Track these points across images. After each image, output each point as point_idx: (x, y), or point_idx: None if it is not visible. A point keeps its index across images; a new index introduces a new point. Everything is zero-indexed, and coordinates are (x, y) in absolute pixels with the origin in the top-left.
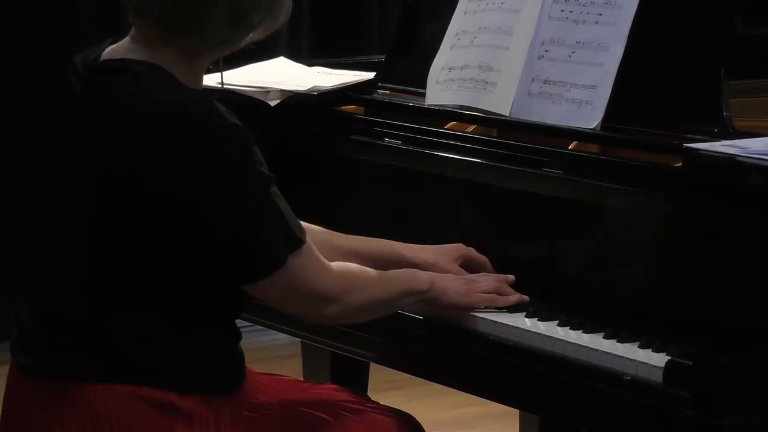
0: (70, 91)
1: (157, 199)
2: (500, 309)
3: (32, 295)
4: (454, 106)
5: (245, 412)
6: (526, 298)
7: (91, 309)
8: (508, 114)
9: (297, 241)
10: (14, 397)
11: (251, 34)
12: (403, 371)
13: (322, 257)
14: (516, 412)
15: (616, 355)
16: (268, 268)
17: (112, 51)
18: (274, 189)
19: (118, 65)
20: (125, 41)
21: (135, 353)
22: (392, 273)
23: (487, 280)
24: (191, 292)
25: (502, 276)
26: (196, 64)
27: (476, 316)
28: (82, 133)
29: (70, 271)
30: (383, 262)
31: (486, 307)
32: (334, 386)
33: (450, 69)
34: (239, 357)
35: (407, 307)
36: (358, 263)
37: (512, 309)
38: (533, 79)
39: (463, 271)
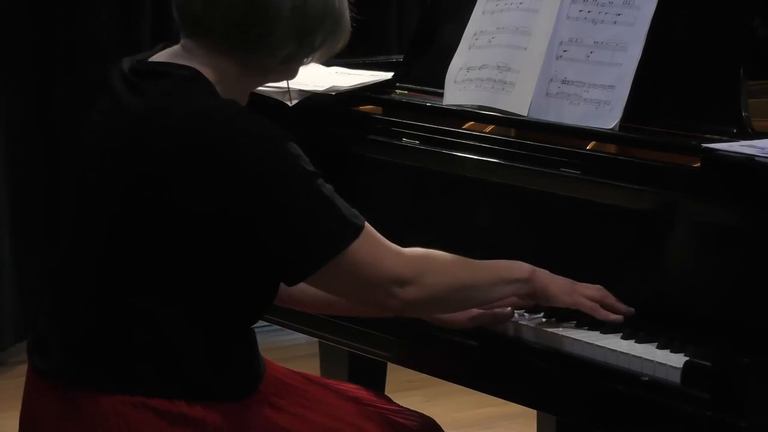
0: (111, 90)
1: (188, 207)
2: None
3: (49, 298)
4: (472, 106)
5: (262, 417)
6: (631, 310)
7: (106, 315)
8: (526, 114)
9: (353, 225)
10: (30, 401)
11: (311, 57)
12: (420, 370)
13: (388, 241)
14: (533, 412)
15: (634, 355)
16: (327, 255)
17: (160, 55)
18: (321, 181)
19: (161, 68)
20: (176, 47)
21: (146, 360)
22: (484, 261)
23: (594, 287)
24: (215, 301)
25: (606, 292)
26: (244, 81)
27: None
28: (112, 134)
29: (87, 276)
30: None
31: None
32: (354, 386)
33: (468, 69)
34: (253, 364)
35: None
36: None
37: (531, 310)
38: (551, 79)
39: None
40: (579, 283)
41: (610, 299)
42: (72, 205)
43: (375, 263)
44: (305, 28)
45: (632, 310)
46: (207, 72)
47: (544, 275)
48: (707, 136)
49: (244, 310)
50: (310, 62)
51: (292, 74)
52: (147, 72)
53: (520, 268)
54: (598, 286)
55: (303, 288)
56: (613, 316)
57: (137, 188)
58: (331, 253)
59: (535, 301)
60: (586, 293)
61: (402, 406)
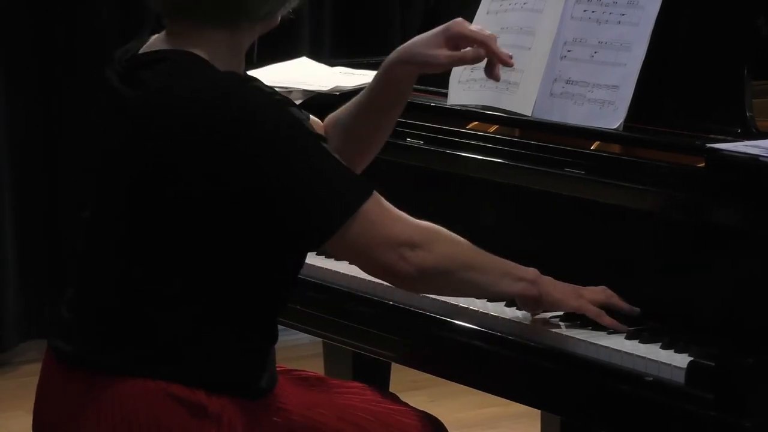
0: (108, 86)
1: (201, 187)
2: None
3: (71, 290)
4: (476, 106)
5: (274, 418)
6: (636, 310)
7: (127, 301)
8: (530, 114)
9: (366, 187)
10: (47, 387)
11: (288, 4)
12: (424, 369)
13: (396, 209)
14: (537, 412)
15: (638, 355)
16: (342, 215)
17: (149, 45)
18: (327, 145)
19: (153, 57)
20: (162, 34)
21: (168, 347)
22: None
23: (599, 290)
24: (237, 285)
25: (610, 292)
26: (236, 46)
27: (498, 317)
28: (120, 127)
29: (110, 262)
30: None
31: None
32: (360, 385)
33: (472, 69)
34: (272, 362)
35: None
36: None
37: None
38: (555, 79)
39: None
40: (584, 288)
41: (615, 299)
42: (91, 200)
43: (387, 223)
44: None
45: (637, 309)
46: (198, 50)
47: (548, 280)
48: (711, 136)
49: (266, 294)
50: (290, 6)
51: (275, 22)
52: (141, 63)
53: (526, 269)
54: (602, 287)
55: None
56: (617, 324)
57: (151, 177)
58: (347, 212)
59: (540, 306)
60: (592, 298)
61: (408, 405)
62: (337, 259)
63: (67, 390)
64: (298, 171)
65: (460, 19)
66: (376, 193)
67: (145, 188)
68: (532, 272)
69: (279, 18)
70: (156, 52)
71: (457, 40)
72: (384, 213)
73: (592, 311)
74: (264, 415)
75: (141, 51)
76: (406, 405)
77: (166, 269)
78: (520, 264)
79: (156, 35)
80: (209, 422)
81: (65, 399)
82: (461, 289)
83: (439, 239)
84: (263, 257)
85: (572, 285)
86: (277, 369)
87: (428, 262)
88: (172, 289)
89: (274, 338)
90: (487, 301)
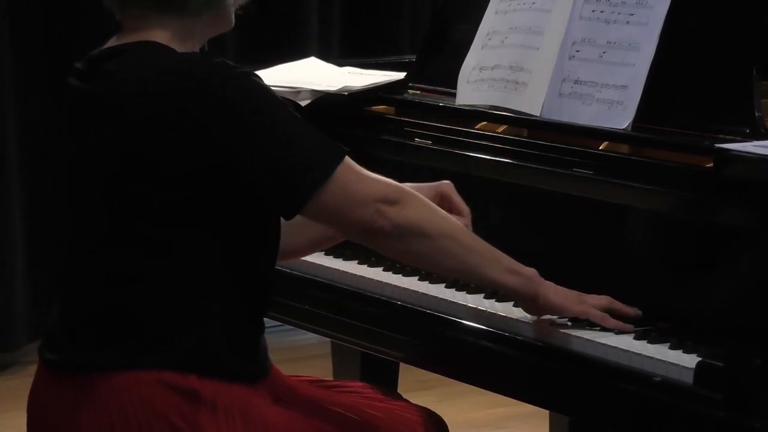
0: (72, 90)
1: (179, 161)
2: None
3: (60, 293)
4: (484, 107)
5: (273, 404)
6: (638, 313)
7: (112, 295)
8: (538, 114)
9: (339, 150)
10: (40, 397)
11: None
12: (432, 370)
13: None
14: (545, 412)
15: (646, 356)
16: (318, 178)
17: (108, 45)
18: (293, 111)
19: (114, 50)
20: (120, 32)
21: (156, 336)
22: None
23: (599, 297)
24: (218, 266)
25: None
26: (187, 32)
27: (506, 317)
28: (91, 124)
29: (94, 261)
30: None
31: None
32: (361, 383)
33: (481, 69)
34: (264, 348)
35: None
36: None
37: None
38: (564, 80)
39: None
40: (586, 294)
41: (617, 305)
42: (70, 199)
43: (363, 181)
44: None
45: (639, 312)
46: (153, 37)
47: (548, 284)
48: (720, 136)
49: (249, 274)
50: (237, 2)
51: (227, 19)
52: (103, 57)
53: (526, 267)
54: (604, 296)
55: (290, 234)
56: (622, 325)
57: (129, 160)
58: (323, 175)
59: (537, 309)
60: (595, 303)
61: (410, 402)
62: (318, 225)
63: (59, 398)
64: (270, 137)
65: (449, 183)
66: (347, 156)
67: (124, 174)
68: (532, 271)
69: (230, 12)
70: (116, 46)
71: (442, 199)
72: (359, 173)
73: (596, 315)
74: (260, 402)
75: (101, 50)
76: (407, 402)
77: (149, 257)
78: (529, 264)
79: (113, 37)
80: (204, 406)
81: (57, 407)
82: (442, 260)
83: (417, 199)
84: (244, 231)
85: (574, 291)
86: (276, 374)
87: (405, 217)
88: (156, 278)
89: (261, 323)
90: (474, 285)
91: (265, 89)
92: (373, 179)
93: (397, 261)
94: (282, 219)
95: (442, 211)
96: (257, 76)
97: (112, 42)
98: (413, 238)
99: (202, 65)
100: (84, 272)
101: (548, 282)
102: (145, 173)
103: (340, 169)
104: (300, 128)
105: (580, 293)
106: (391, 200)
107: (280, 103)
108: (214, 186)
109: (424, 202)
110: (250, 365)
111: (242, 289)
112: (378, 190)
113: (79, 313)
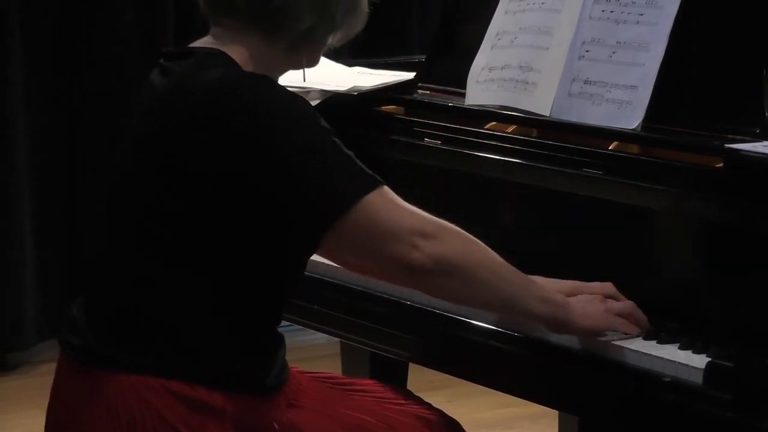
0: (148, 80)
1: (213, 172)
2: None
3: (83, 290)
4: (494, 107)
5: (283, 418)
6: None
7: (135, 294)
8: (548, 114)
9: (373, 179)
10: (58, 386)
11: (332, 35)
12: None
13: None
14: (555, 412)
15: (656, 356)
16: (342, 204)
17: (193, 44)
18: (338, 140)
19: (186, 52)
20: (206, 36)
21: (171, 344)
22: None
23: (621, 303)
24: (242, 281)
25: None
26: (270, 56)
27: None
28: (149, 114)
29: (118, 262)
30: None
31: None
32: (373, 381)
33: (490, 69)
34: (281, 360)
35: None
36: None
37: None
38: (573, 80)
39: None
40: (606, 301)
41: (637, 311)
42: (112, 196)
43: (396, 212)
44: (324, 1)
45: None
46: (233, 52)
47: (576, 307)
48: (730, 136)
49: (269, 292)
50: (332, 44)
51: (315, 58)
52: (176, 57)
53: (556, 294)
54: (630, 302)
55: None
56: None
57: (167, 165)
58: (351, 201)
59: (566, 332)
60: (617, 310)
61: (424, 402)
62: (348, 268)
63: (74, 387)
64: (303, 161)
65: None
66: (385, 187)
67: (162, 177)
68: (560, 297)
69: (325, 44)
70: (191, 47)
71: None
72: (393, 204)
73: (623, 326)
74: (272, 413)
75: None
76: (421, 402)
77: (168, 266)
78: (539, 265)
79: (201, 38)
80: (211, 417)
81: (72, 397)
82: (482, 295)
83: (454, 233)
84: (268, 250)
85: (596, 300)
86: (291, 370)
87: (443, 252)
88: (173, 286)
89: (279, 337)
90: (508, 317)
91: (309, 113)
92: (408, 211)
93: (435, 296)
94: None
95: (475, 239)
96: (304, 99)
97: (195, 44)
98: (452, 273)
99: (251, 83)
100: (109, 270)
101: (574, 302)
102: (182, 179)
103: (370, 197)
104: (337, 156)
105: (603, 299)
106: (428, 234)
107: (323, 128)
108: (243, 198)
109: (463, 236)
110: (265, 378)
111: (261, 306)
112: (414, 223)
113: (102, 305)
